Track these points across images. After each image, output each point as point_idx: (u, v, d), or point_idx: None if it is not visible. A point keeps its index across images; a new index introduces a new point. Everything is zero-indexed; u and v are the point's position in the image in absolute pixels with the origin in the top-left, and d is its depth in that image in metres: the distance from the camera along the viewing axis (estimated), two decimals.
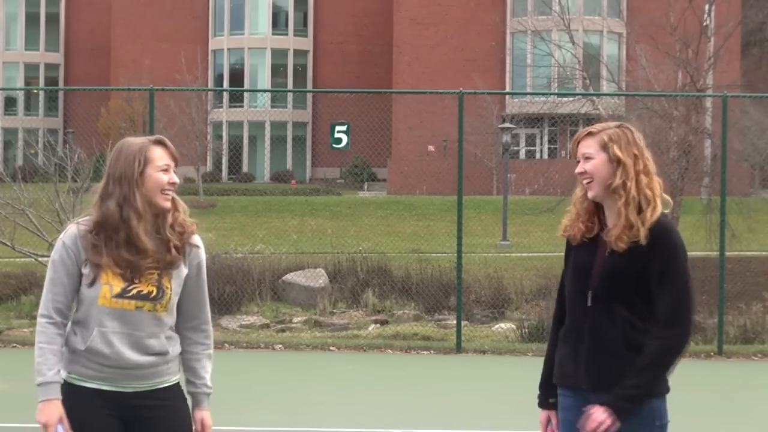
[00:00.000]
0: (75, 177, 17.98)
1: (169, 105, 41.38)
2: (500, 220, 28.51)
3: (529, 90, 51.14)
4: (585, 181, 4.45)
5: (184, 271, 4.49)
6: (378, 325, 18.55)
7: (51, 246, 17.51)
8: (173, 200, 4.48)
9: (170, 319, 4.46)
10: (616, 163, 4.40)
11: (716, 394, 12.95)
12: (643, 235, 4.34)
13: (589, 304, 4.46)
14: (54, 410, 4.27)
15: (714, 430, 10.67)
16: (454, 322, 16.64)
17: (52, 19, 69.19)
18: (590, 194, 4.44)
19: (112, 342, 4.34)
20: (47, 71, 68.44)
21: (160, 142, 4.49)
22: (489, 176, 44.17)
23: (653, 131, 22.98)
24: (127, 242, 4.39)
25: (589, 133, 4.49)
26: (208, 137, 51.34)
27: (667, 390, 4.68)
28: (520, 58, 50.14)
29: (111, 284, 4.34)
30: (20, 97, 66.55)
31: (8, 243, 17.45)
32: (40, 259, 18.32)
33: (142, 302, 4.36)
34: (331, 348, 15.93)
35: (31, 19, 68.89)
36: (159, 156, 4.44)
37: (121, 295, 4.34)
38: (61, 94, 66.33)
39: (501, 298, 19.29)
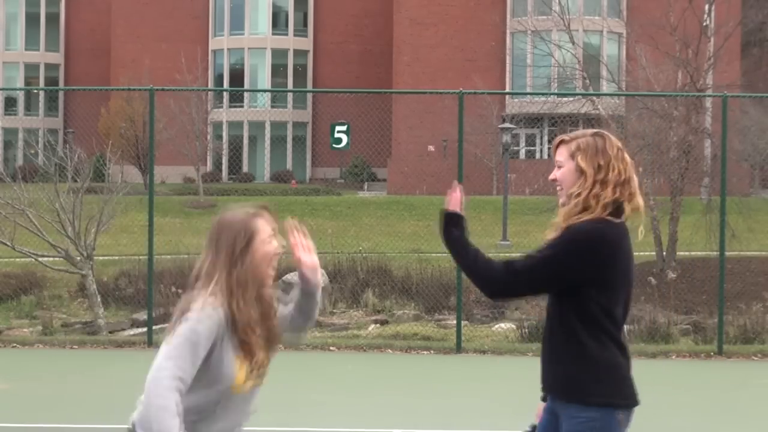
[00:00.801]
0: (75, 177, 17.99)
1: (169, 105, 41.38)
2: (500, 220, 28.52)
3: (529, 90, 51.13)
4: (558, 188, 4.53)
5: None
6: (378, 325, 18.56)
7: (51, 246, 17.53)
8: None
9: None
10: (579, 172, 4.46)
11: (716, 394, 12.95)
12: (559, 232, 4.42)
13: (549, 305, 4.56)
14: None
15: (714, 430, 10.67)
16: (454, 322, 16.64)
17: (52, 19, 69.19)
18: (560, 201, 4.53)
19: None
20: (47, 71, 68.44)
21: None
22: (489, 176, 44.17)
23: (653, 131, 22.99)
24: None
25: (562, 141, 4.58)
26: (208, 137, 51.34)
27: (607, 403, 4.55)
28: (520, 58, 50.14)
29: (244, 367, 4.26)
30: (20, 97, 66.56)
31: (8, 243, 17.46)
32: (40, 259, 18.34)
33: (259, 380, 4.37)
34: (331, 348, 15.93)
35: (31, 19, 68.89)
36: (264, 225, 4.41)
37: (247, 377, 4.29)
38: (61, 94, 66.33)
39: None
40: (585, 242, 4.35)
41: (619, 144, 4.54)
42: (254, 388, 4.34)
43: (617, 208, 4.42)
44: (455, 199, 4.62)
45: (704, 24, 29.43)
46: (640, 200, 4.49)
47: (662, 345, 16.10)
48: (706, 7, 30.28)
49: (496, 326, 18.46)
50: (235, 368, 4.20)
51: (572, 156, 4.49)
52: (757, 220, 23.51)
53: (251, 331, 4.23)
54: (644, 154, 22.79)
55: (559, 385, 4.47)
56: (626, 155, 4.53)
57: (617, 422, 4.51)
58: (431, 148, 53.60)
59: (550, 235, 4.47)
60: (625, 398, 4.56)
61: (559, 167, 4.53)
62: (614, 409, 4.50)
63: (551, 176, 4.55)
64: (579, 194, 4.42)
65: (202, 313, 4.17)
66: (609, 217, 4.39)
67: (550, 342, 4.49)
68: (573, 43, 31.12)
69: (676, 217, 22.14)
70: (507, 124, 33.25)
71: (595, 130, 4.60)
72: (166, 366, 4.11)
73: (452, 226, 4.58)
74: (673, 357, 15.44)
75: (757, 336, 16.43)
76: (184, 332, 4.15)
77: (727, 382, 13.89)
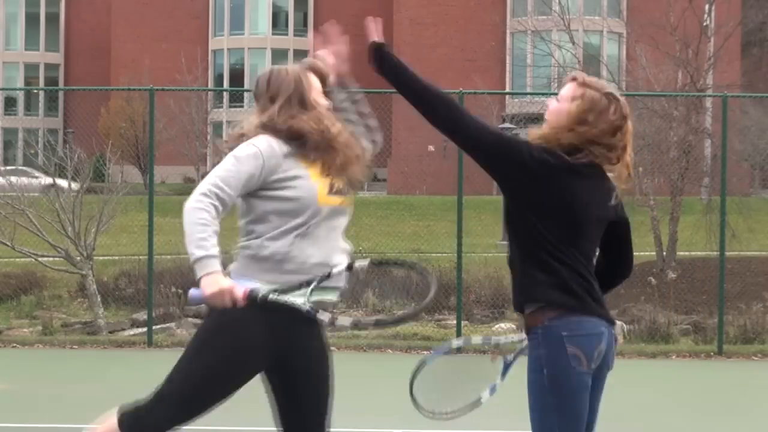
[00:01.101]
0: (75, 177, 17.98)
1: (169, 105, 41.37)
2: (500, 220, 28.46)
3: (529, 90, 51.11)
4: (546, 117, 4.66)
5: None
6: None
7: (51, 246, 17.52)
8: None
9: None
10: (566, 114, 4.60)
11: (716, 394, 12.95)
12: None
13: None
14: (224, 280, 4.28)
15: (714, 430, 10.66)
16: (454, 322, 16.63)
17: (52, 19, 69.19)
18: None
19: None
20: (47, 71, 68.44)
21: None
22: (489, 176, 44.12)
23: (653, 131, 22.97)
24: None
25: (575, 80, 4.63)
26: (208, 137, 51.32)
27: (556, 338, 4.51)
28: (520, 58, 50.13)
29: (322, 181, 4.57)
30: (20, 97, 66.57)
31: (8, 243, 17.45)
32: (40, 259, 18.33)
33: (341, 198, 4.69)
34: (331, 348, 15.91)
35: (31, 19, 68.89)
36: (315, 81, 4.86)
37: (330, 191, 4.62)
38: (61, 94, 66.33)
39: (501, 298, 19.27)
40: (535, 146, 4.50)
41: (626, 111, 4.58)
42: (343, 206, 4.61)
43: (575, 151, 4.49)
44: (374, 30, 4.83)
45: (704, 24, 29.41)
46: (624, 168, 4.57)
47: (662, 345, 16.09)
48: (706, 7, 30.26)
49: (496, 326, 18.45)
50: (313, 182, 4.46)
51: (572, 99, 4.54)
52: (757, 220, 23.49)
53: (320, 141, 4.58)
54: (644, 154, 22.77)
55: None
56: (628, 124, 4.58)
57: (568, 354, 4.51)
58: (431, 148, 53.57)
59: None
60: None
61: (557, 101, 4.60)
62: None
63: (548, 102, 4.64)
64: (545, 130, 4.57)
65: (251, 140, 4.49)
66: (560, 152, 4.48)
67: None
68: (573, 43, 31.10)
69: (676, 217, 22.12)
70: (507, 124, 33.20)
71: (608, 90, 4.61)
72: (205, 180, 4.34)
73: (382, 54, 4.92)
74: (673, 357, 15.44)
75: (758, 336, 16.43)
76: (234, 152, 4.45)
77: (727, 382, 13.88)
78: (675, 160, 22.29)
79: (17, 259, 19.82)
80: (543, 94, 42.82)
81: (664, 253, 22.10)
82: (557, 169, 4.47)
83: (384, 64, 4.74)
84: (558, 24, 33.29)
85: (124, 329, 18.05)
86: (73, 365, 14.58)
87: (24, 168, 45.66)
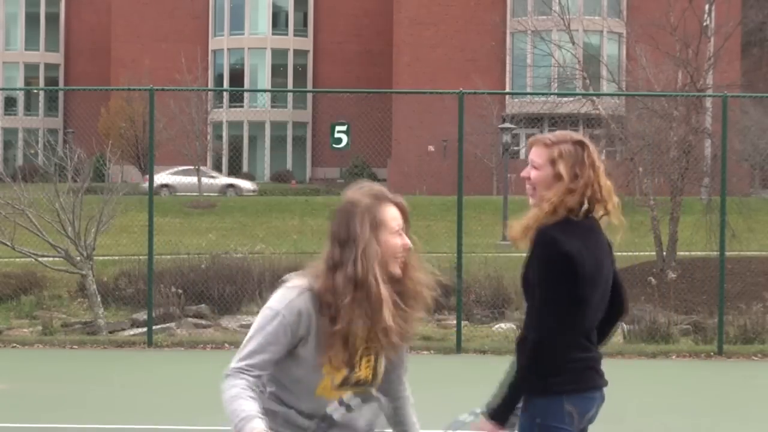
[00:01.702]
0: (75, 177, 17.98)
1: (169, 105, 41.37)
2: (500, 220, 28.48)
3: (529, 90, 51.12)
4: (528, 187, 4.59)
5: None
6: None
7: (51, 246, 17.52)
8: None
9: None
10: (558, 179, 4.50)
11: (716, 394, 12.95)
12: (530, 236, 4.51)
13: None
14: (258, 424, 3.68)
15: (714, 430, 10.66)
16: (454, 322, 16.62)
17: (52, 19, 69.19)
18: (531, 201, 4.59)
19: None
20: (47, 71, 68.43)
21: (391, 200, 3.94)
22: (489, 176, 44.16)
23: (653, 131, 22.96)
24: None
25: (543, 144, 4.57)
26: (208, 137, 51.32)
27: (549, 391, 4.52)
28: (520, 58, 50.13)
29: (333, 375, 3.84)
30: (20, 97, 66.56)
31: (8, 243, 17.45)
32: (40, 259, 18.32)
33: (359, 389, 3.93)
34: None
35: (31, 19, 68.89)
36: (393, 217, 3.92)
37: (342, 385, 3.87)
38: (61, 94, 66.32)
39: (501, 298, 19.28)
40: (549, 252, 4.43)
41: (596, 153, 4.58)
42: (357, 397, 3.92)
43: (580, 208, 4.48)
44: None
45: (704, 24, 29.42)
46: (611, 205, 4.53)
47: (662, 345, 16.09)
48: (706, 7, 30.27)
49: (496, 326, 18.45)
50: (321, 367, 3.79)
51: (552, 162, 4.51)
52: (757, 220, 23.49)
53: (349, 322, 3.74)
54: (644, 154, 22.78)
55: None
56: (600, 163, 4.57)
57: (564, 411, 4.53)
58: (431, 148, 53.57)
59: (518, 238, 4.57)
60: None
61: (535, 168, 4.56)
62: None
63: (524, 173, 4.59)
64: (553, 200, 4.47)
65: (286, 291, 3.79)
66: (570, 216, 4.46)
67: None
68: (573, 43, 31.10)
69: (676, 217, 22.12)
70: (507, 124, 33.21)
71: (576, 138, 4.61)
72: (236, 357, 3.80)
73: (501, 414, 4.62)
74: (673, 357, 15.44)
75: (758, 336, 16.42)
76: (262, 312, 3.80)
77: (727, 382, 13.88)
78: (675, 160, 22.28)
79: (17, 259, 19.82)
80: (543, 94, 42.85)
81: (664, 253, 22.10)
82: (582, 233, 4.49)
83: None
84: (558, 24, 33.30)
85: (124, 329, 18.05)
86: (73, 365, 14.58)
87: (203, 168, 46.04)
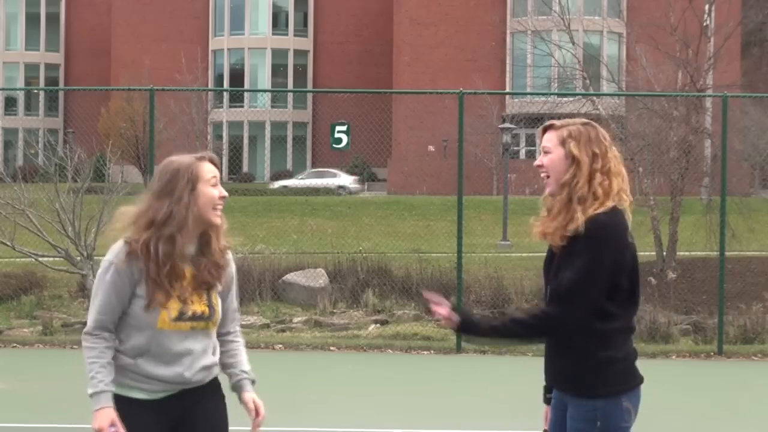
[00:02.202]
0: (75, 177, 17.98)
1: (170, 105, 41.37)
2: (500, 220, 28.50)
3: (529, 90, 51.13)
4: (543, 175, 4.42)
5: (219, 285, 4.54)
6: (378, 325, 18.53)
7: (51, 246, 17.53)
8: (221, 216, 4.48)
9: (215, 331, 4.57)
10: (571, 159, 4.35)
11: (716, 394, 12.95)
12: (580, 226, 4.26)
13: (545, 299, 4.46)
14: (107, 415, 4.38)
15: (714, 430, 10.67)
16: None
17: (52, 19, 69.20)
18: (547, 189, 4.42)
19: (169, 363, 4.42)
20: (47, 71, 68.44)
21: (207, 159, 4.46)
22: (489, 176, 44.16)
23: (653, 131, 22.96)
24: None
25: (551, 126, 4.45)
26: (208, 137, 51.33)
27: (616, 392, 4.47)
28: (520, 58, 50.13)
29: (169, 308, 4.36)
30: (20, 97, 66.57)
31: (8, 243, 17.45)
32: (40, 259, 18.32)
33: (196, 323, 4.42)
34: (331, 348, 15.93)
35: (31, 19, 68.90)
36: (208, 170, 4.41)
37: (179, 318, 4.38)
38: (61, 94, 66.35)
39: (501, 298, 19.27)
40: (612, 236, 4.31)
41: (608, 136, 4.47)
42: (195, 330, 4.40)
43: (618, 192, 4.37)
44: (442, 310, 4.61)
45: (704, 24, 29.41)
46: (628, 194, 4.43)
47: (662, 345, 16.09)
48: (706, 7, 30.26)
49: None
50: (153, 303, 4.30)
51: (563, 143, 4.37)
52: (757, 220, 23.48)
53: (163, 266, 4.30)
54: (644, 154, 22.78)
55: (564, 379, 4.45)
56: (614, 149, 4.45)
57: (623, 408, 4.48)
58: (431, 148, 53.59)
59: (557, 231, 4.33)
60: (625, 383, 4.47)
61: (547, 153, 4.41)
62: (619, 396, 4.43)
63: (537, 162, 4.45)
64: (574, 183, 4.31)
65: (115, 245, 4.37)
66: (618, 205, 4.33)
67: (555, 337, 4.45)
68: (573, 43, 31.09)
69: (676, 217, 22.12)
70: (507, 124, 33.23)
71: (584, 120, 4.49)
72: (89, 315, 4.40)
73: (472, 328, 4.57)
74: (673, 357, 15.44)
75: (758, 336, 16.43)
76: (99, 271, 4.39)
77: (727, 382, 13.89)
78: (675, 160, 22.28)
79: (17, 259, 19.82)
80: (543, 94, 42.83)
81: (664, 253, 22.09)
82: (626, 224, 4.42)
83: (486, 336, 4.60)
84: (558, 24, 33.27)
85: None
86: (73, 365, 14.53)
87: (330, 170, 46.86)
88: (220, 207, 4.40)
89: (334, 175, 47.97)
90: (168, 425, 4.46)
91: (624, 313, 4.47)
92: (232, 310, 4.63)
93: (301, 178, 49.19)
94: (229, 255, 4.58)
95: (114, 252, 4.38)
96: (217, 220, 4.41)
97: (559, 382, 4.47)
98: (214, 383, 4.56)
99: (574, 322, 4.31)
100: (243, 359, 4.65)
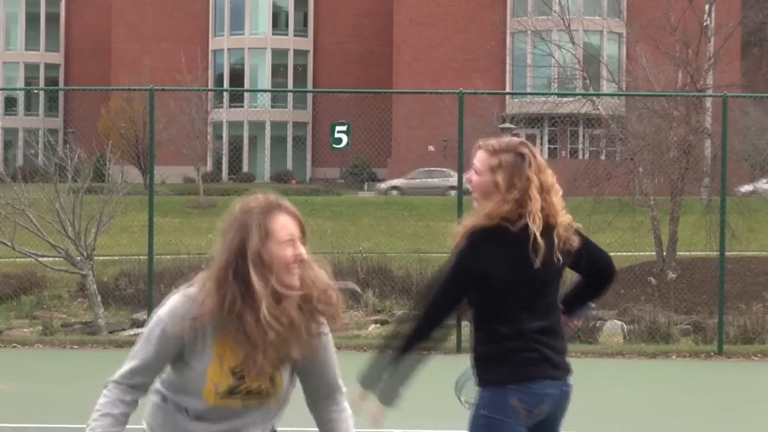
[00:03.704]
0: (75, 177, 17.98)
1: (170, 105, 41.33)
2: None
3: (529, 90, 51.14)
4: (470, 188, 4.83)
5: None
6: (378, 325, 18.54)
7: (51, 246, 17.52)
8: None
9: (282, 409, 4.05)
10: (495, 187, 4.70)
11: (716, 394, 12.95)
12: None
13: None
14: None
15: (714, 430, 10.67)
16: (454, 322, 16.59)
17: (52, 19, 69.20)
18: (475, 202, 4.81)
19: None
20: (47, 71, 68.45)
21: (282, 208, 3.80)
22: None
23: (653, 131, 22.96)
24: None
25: (486, 150, 4.82)
26: (209, 137, 51.31)
27: (490, 382, 4.79)
28: (520, 58, 50.13)
29: (217, 383, 3.76)
30: (20, 97, 66.58)
31: (8, 243, 17.45)
32: (40, 259, 18.32)
33: (251, 400, 3.84)
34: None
35: (31, 19, 68.91)
36: (284, 225, 3.77)
37: (228, 395, 3.78)
38: (61, 94, 66.35)
39: None
40: (460, 251, 4.70)
41: (539, 161, 4.75)
42: (247, 408, 3.84)
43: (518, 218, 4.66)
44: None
45: (704, 24, 29.41)
46: (536, 220, 4.64)
47: (662, 345, 16.09)
48: (706, 7, 30.26)
49: None
50: (209, 370, 3.72)
51: (492, 170, 4.71)
52: (757, 220, 23.48)
53: (238, 327, 3.67)
54: (644, 154, 22.78)
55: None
56: (538, 175, 4.71)
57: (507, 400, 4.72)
58: (431, 148, 53.59)
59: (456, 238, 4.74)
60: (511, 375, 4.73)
61: (476, 173, 4.78)
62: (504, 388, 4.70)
63: (468, 176, 4.83)
64: (487, 209, 4.68)
65: (173, 300, 3.79)
66: (504, 223, 4.64)
67: None
68: (573, 43, 31.09)
69: (676, 217, 22.12)
70: (507, 124, 33.23)
71: (519, 146, 4.80)
72: (124, 364, 3.85)
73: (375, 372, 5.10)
74: (673, 357, 15.43)
75: (758, 336, 16.42)
76: (150, 322, 3.80)
77: (727, 382, 13.88)
78: (675, 160, 22.28)
79: (17, 259, 19.82)
80: (543, 94, 42.85)
81: (664, 253, 22.10)
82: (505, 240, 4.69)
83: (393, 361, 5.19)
84: (558, 24, 33.28)
85: (124, 329, 18.05)
86: (73, 365, 14.57)
87: (441, 168, 46.76)
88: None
89: (446, 176, 47.53)
90: None
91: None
92: (329, 381, 4.06)
93: (411, 179, 48.15)
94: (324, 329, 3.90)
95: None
96: (295, 283, 3.73)
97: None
98: None
99: (432, 319, 5.16)
100: (349, 428, 4.14)
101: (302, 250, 3.76)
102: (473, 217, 4.71)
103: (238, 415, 3.82)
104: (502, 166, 4.70)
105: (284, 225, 3.75)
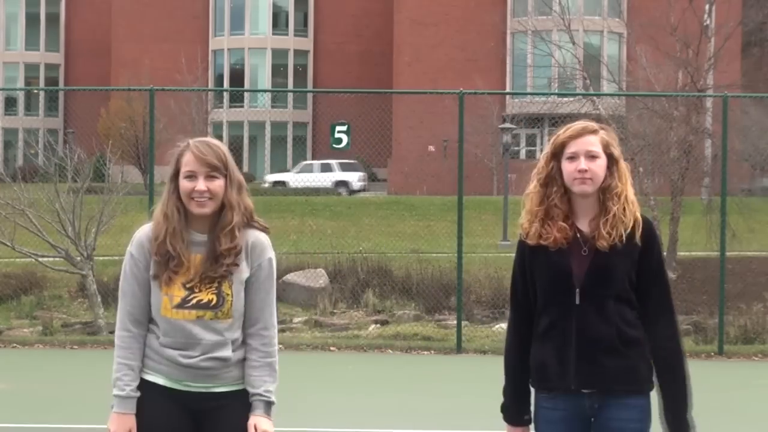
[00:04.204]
0: (75, 177, 17.98)
1: (170, 105, 41.33)
2: (501, 220, 28.50)
3: (529, 90, 51.12)
4: (586, 179, 4.39)
5: (244, 274, 4.42)
6: (378, 325, 18.55)
7: (51, 246, 17.54)
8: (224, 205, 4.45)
9: (236, 325, 4.38)
10: (614, 163, 4.43)
11: (716, 394, 12.95)
12: (633, 229, 4.43)
13: (576, 302, 4.43)
14: (125, 423, 4.32)
15: (714, 430, 10.66)
16: (455, 322, 16.63)
17: (52, 19, 69.19)
18: (589, 191, 4.41)
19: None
20: (47, 71, 68.44)
21: (191, 147, 4.55)
22: (489, 176, 44.14)
23: (653, 131, 22.96)
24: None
25: (593, 131, 4.46)
26: (208, 137, 51.30)
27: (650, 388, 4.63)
28: (521, 59, 50.11)
29: (171, 295, 4.35)
30: (20, 97, 66.57)
31: (8, 243, 17.45)
32: (40, 259, 18.32)
33: (202, 311, 4.34)
34: (331, 348, 15.93)
35: (31, 19, 68.90)
36: (186, 162, 4.50)
37: (181, 305, 4.34)
38: (61, 95, 66.32)
39: (501, 298, 19.27)
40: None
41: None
42: (201, 319, 4.31)
43: None
44: None
45: (704, 24, 29.42)
46: None
47: None
48: (707, 7, 30.27)
49: (497, 326, 18.45)
50: (159, 291, 4.33)
51: (606, 147, 4.44)
52: (757, 220, 23.49)
53: (165, 250, 4.35)
54: (644, 154, 22.77)
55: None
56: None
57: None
58: (431, 148, 53.56)
59: (609, 234, 4.42)
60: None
61: (593, 158, 4.41)
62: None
63: (582, 166, 4.39)
64: (616, 184, 4.44)
65: (135, 235, 4.59)
66: None
67: (594, 336, 4.54)
68: (573, 43, 31.08)
69: (676, 218, 22.12)
70: (507, 124, 33.25)
71: (595, 122, 4.57)
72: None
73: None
74: None
75: (758, 336, 16.43)
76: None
77: (728, 382, 13.89)
78: (675, 160, 22.28)
79: (17, 259, 19.83)
80: (543, 94, 42.83)
81: (665, 253, 22.09)
82: None
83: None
84: (558, 24, 33.28)
85: None
86: (73, 365, 14.58)
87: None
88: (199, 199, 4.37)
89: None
90: (189, 420, 4.37)
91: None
92: (255, 304, 4.41)
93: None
94: (260, 240, 4.61)
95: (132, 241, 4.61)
96: (198, 211, 4.39)
97: (613, 382, 4.48)
98: (246, 395, 4.39)
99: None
100: (262, 375, 4.40)
101: (200, 184, 4.44)
102: (632, 209, 4.55)
103: (196, 326, 4.30)
104: (611, 140, 4.58)
105: (187, 161, 4.50)
